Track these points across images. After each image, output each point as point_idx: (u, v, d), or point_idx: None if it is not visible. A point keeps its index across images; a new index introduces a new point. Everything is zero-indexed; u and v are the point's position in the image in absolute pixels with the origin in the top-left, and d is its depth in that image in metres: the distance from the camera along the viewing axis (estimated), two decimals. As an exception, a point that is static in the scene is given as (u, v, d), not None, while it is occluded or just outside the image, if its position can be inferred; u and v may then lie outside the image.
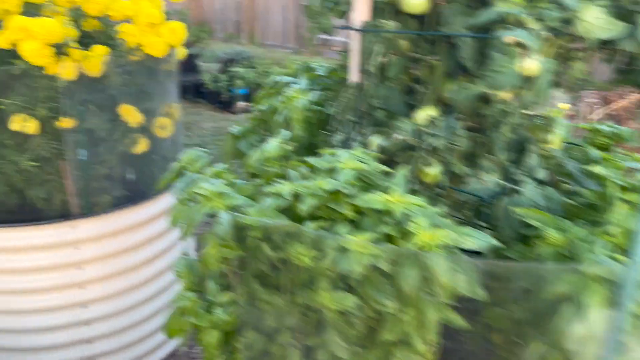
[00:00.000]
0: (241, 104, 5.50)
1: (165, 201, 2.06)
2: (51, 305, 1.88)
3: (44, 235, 1.79)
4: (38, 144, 1.74)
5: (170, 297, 2.17)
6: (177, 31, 1.87)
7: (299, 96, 1.20)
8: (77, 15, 1.83)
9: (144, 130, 1.96)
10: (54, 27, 1.51)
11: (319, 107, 1.22)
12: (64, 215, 1.84)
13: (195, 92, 5.66)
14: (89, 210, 1.88)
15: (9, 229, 1.76)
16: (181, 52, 2.06)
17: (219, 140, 4.61)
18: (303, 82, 1.35)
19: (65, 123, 1.74)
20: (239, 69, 5.75)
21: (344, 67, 1.29)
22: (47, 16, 1.81)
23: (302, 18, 8.20)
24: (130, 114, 1.88)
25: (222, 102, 5.51)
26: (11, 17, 1.54)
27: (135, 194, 1.99)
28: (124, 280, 1.97)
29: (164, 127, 2.04)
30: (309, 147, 1.22)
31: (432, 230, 0.72)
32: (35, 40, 1.54)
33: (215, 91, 5.57)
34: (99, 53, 1.74)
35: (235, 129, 1.41)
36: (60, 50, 1.63)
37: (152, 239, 2.03)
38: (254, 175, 1.13)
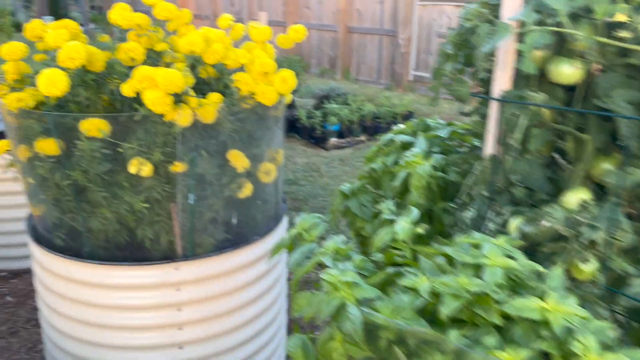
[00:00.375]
0: (334, 140, 5.51)
1: (265, 245, 2.05)
2: (148, 343, 1.90)
3: (148, 275, 1.82)
4: (151, 186, 1.79)
5: (265, 339, 2.14)
6: (288, 80, 1.88)
7: (420, 161, 1.13)
8: (194, 63, 1.89)
9: (250, 175, 1.96)
10: (176, 78, 1.55)
11: (440, 174, 1.14)
12: (168, 256, 1.87)
13: (289, 126, 5.75)
14: (192, 252, 1.90)
15: (117, 266, 1.81)
16: (289, 98, 2.07)
17: (310, 176, 4.62)
18: (421, 142, 1.27)
19: (178, 167, 1.78)
20: (332, 105, 5.79)
21: (470, 132, 1.20)
22: (168, 63, 1.89)
23: (397, 54, 8.18)
24: (238, 160, 1.90)
25: (315, 138, 5.56)
26: (138, 67, 1.61)
27: (237, 237, 2.00)
28: (221, 322, 1.97)
29: (268, 172, 2.04)
30: (426, 215, 1.13)
31: (603, 355, 0.61)
32: (157, 89, 1.60)
33: (309, 126, 5.63)
34: (214, 101, 1.78)
35: (345, 186, 1.36)
36: (178, 98, 1.68)
37: (251, 283, 2.02)
38: (363, 238, 1.06)
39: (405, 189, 1.14)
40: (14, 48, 1.73)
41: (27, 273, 3.14)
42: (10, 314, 2.85)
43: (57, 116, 1.71)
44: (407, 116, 6.19)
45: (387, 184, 1.23)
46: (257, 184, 2.00)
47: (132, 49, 1.78)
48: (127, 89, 1.61)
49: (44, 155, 1.77)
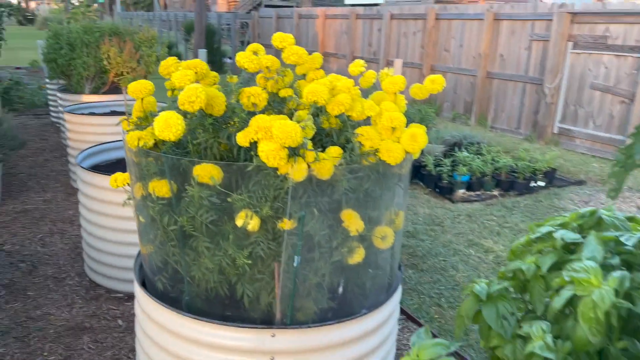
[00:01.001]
0: (462, 192, 5.12)
1: (373, 320, 1.80)
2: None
3: (242, 339, 1.66)
4: (256, 241, 1.64)
5: None
6: (418, 138, 1.64)
7: (596, 282, 0.81)
8: (317, 111, 1.73)
9: (363, 239, 1.74)
10: (293, 131, 1.40)
11: (625, 303, 0.81)
12: (265, 319, 1.70)
13: (414, 172, 5.46)
14: (292, 318, 1.71)
15: (211, 324, 1.67)
16: (416, 155, 1.82)
17: (431, 230, 4.28)
18: (592, 246, 0.95)
19: (286, 224, 1.61)
20: (464, 154, 5.41)
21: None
22: (291, 109, 1.76)
23: (541, 104, 7.54)
24: (352, 221, 1.69)
25: (441, 188, 5.19)
26: (255, 116, 1.48)
27: (342, 307, 1.77)
28: (313, 402, 1.74)
29: (385, 237, 1.80)
30: (597, 355, 0.81)
31: None
32: (272, 141, 1.45)
33: (435, 175, 5.30)
34: (333, 156, 1.60)
35: (479, 286, 1.07)
36: (294, 150, 1.52)
37: (351, 362, 1.77)
38: None
39: (568, 313, 0.83)
40: (140, 86, 1.70)
41: (140, 298, 3.18)
42: (117, 340, 2.87)
43: (171, 158, 1.65)
44: (548, 173, 5.59)
45: (538, 295, 0.93)
46: (370, 250, 1.77)
47: (255, 94, 1.68)
48: (242, 138, 1.49)
49: (155, 195, 1.71)
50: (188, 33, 17.66)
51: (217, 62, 14.71)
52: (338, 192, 1.65)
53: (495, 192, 5.30)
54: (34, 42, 9.66)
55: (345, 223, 1.69)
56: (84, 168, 3.19)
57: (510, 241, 4.11)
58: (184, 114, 1.65)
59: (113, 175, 2.05)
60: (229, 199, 1.61)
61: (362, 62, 2.08)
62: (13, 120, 5.16)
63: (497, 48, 8.21)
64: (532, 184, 5.41)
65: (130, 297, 3.31)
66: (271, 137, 1.46)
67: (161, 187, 1.70)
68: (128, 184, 2.01)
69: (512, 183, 5.38)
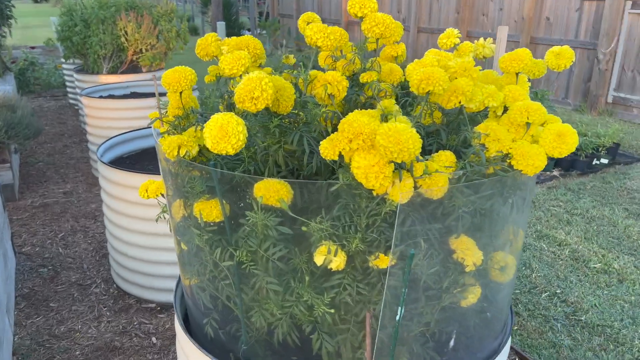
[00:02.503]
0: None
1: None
2: None
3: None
4: (341, 283, 1.21)
5: None
6: (567, 138, 1.18)
7: None
8: (411, 101, 1.28)
9: (480, 273, 1.30)
10: (411, 140, 0.95)
11: None
12: (352, 382, 1.29)
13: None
14: (386, 378, 1.29)
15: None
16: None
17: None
18: None
19: (382, 262, 1.18)
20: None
21: None
22: (370, 98, 1.30)
23: (594, 71, 6.89)
24: (468, 252, 1.25)
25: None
26: (347, 118, 1.03)
27: (448, 360, 1.35)
28: None
29: (505, 268, 1.36)
30: None
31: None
32: (375, 154, 1.01)
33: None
34: (446, 163, 1.15)
35: None
36: (398, 165, 1.07)
37: None
38: None
39: None
40: (178, 75, 1.26)
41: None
42: (152, 363, 2.50)
43: (226, 174, 1.21)
44: (611, 149, 5.04)
45: None
46: (487, 286, 1.33)
47: (333, 81, 1.22)
48: (329, 149, 1.05)
49: (203, 221, 1.29)
50: (205, 5, 17.07)
51: (235, 34, 14.14)
52: (452, 215, 1.20)
53: (555, 172, 4.78)
54: (49, 20, 9.25)
55: (459, 254, 1.25)
56: (105, 164, 2.78)
57: (584, 232, 3.64)
58: (243, 115, 1.21)
59: (143, 185, 1.64)
60: (304, 228, 1.18)
61: (455, 31, 1.60)
62: (29, 104, 4.77)
63: (543, 11, 7.53)
64: (595, 161, 4.87)
65: (164, 307, 2.94)
66: (372, 148, 1.01)
67: (210, 210, 1.27)
68: (162, 195, 1.60)
69: (572, 162, 4.85)
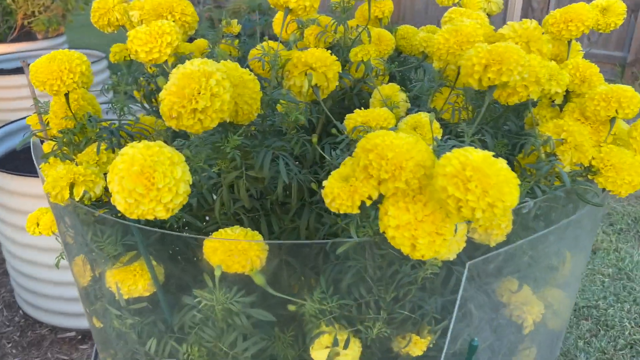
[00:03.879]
0: None
1: None
2: None
3: None
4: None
5: None
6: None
7: None
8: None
9: (536, 330, 0.92)
10: (501, 179, 0.51)
11: None
12: None
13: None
14: None
15: None
16: None
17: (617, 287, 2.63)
18: None
19: (417, 346, 0.76)
20: None
21: None
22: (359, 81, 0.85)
23: None
24: (528, 307, 0.85)
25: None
26: (376, 141, 0.57)
27: None
28: None
29: (557, 312, 0.98)
30: None
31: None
32: (426, 200, 0.56)
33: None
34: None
35: None
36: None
37: None
38: None
39: None
40: (56, 67, 0.74)
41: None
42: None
43: (160, 234, 0.73)
44: None
45: None
46: (542, 344, 0.95)
47: (321, 65, 0.76)
48: (341, 196, 0.59)
49: (123, 297, 0.80)
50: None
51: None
52: (513, 264, 0.79)
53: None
54: None
55: (516, 312, 0.86)
56: (-11, 167, 2.15)
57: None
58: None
59: (32, 216, 1.12)
60: (291, 308, 0.73)
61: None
62: None
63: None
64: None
65: (87, 335, 2.41)
66: (419, 190, 0.57)
67: (135, 280, 0.79)
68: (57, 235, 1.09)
69: None
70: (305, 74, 0.78)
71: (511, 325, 0.86)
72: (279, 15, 1.22)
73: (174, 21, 0.90)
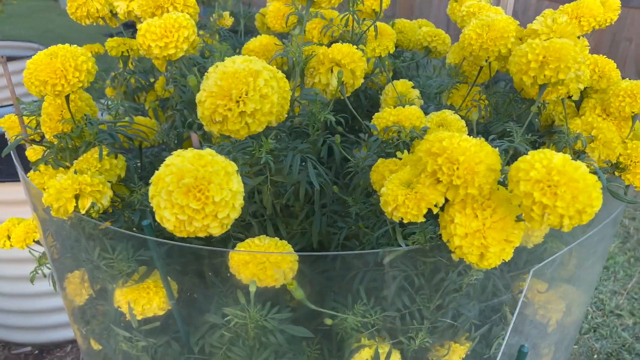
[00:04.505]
0: None
1: None
2: None
3: None
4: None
5: None
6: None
7: None
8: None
9: (559, 330, 0.91)
10: (588, 185, 0.48)
11: None
12: None
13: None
14: None
15: None
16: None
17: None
18: None
19: (455, 354, 0.73)
20: None
21: None
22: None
23: None
24: (552, 306, 0.85)
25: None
26: (443, 144, 0.53)
27: None
28: None
29: (575, 311, 0.98)
30: None
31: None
32: (495, 206, 0.53)
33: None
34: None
35: None
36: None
37: None
38: None
39: None
40: (59, 65, 0.65)
41: (59, 348, 2.19)
42: None
43: (178, 246, 0.66)
44: None
45: None
46: (560, 344, 0.95)
47: (349, 61, 0.71)
48: (407, 205, 0.54)
49: (136, 317, 0.73)
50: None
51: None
52: (563, 266, 0.78)
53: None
54: None
55: (541, 311, 0.85)
56: None
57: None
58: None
59: (1, 228, 1.02)
60: (328, 322, 0.68)
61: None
62: None
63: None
64: None
65: (46, 349, 2.26)
66: (488, 195, 0.54)
67: (149, 299, 0.72)
68: (37, 242, 0.99)
69: None
70: (331, 71, 0.73)
71: (536, 326, 0.85)
72: (273, 7, 1.16)
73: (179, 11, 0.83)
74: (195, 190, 0.48)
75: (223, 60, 0.67)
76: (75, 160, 0.76)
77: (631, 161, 0.78)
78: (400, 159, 0.72)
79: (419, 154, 0.54)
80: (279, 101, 0.59)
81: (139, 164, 0.92)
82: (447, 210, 0.55)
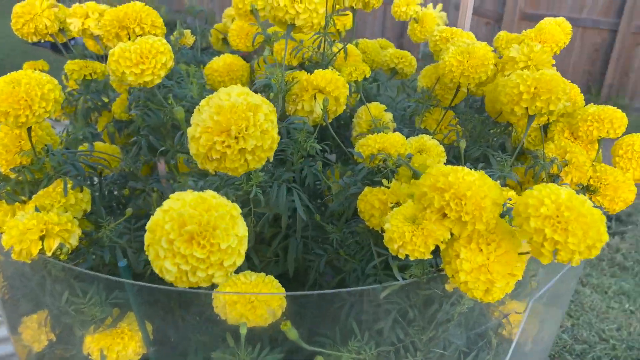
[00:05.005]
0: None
1: None
2: None
3: None
4: None
5: None
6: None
7: None
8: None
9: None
10: (595, 219, 0.49)
11: None
12: None
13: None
14: None
15: None
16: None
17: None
18: None
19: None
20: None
21: None
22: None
23: None
24: (530, 321, 0.86)
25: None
26: (449, 179, 0.52)
27: None
28: None
29: (549, 328, 1.01)
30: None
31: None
32: (500, 240, 0.53)
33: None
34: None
35: None
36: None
37: None
38: None
39: None
40: (20, 92, 0.58)
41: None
42: None
43: (157, 289, 0.61)
44: None
45: None
46: (534, 357, 0.97)
47: (332, 86, 0.69)
48: (415, 241, 0.53)
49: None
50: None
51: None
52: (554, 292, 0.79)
53: None
54: None
55: (514, 329, 0.86)
56: None
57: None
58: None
59: None
60: (319, 359, 0.65)
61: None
62: None
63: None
64: None
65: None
66: (492, 232, 0.53)
67: (124, 346, 0.66)
68: None
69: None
70: (315, 97, 0.71)
71: (510, 345, 0.86)
72: (236, 26, 1.12)
73: (141, 34, 0.78)
74: (200, 238, 0.44)
75: (192, 83, 0.63)
76: (35, 195, 0.69)
77: (601, 183, 0.81)
78: (388, 187, 0.71)
79: (423, 188, 0.53)
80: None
81: (97, 194, 0.85)
82: (452, 245, 0.54)
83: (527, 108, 0.62)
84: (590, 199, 0.82)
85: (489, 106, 0.87)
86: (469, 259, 0.53)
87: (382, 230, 0.58)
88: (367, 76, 0.86)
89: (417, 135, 0.93)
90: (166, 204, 0.46)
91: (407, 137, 0.92)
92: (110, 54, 0.63)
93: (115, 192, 0.91)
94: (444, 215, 0.52)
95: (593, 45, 4.17)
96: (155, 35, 0.81)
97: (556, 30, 0.96)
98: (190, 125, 0.52)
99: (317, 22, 0.71)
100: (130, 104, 0.88)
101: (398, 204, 0.67)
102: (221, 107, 0.50)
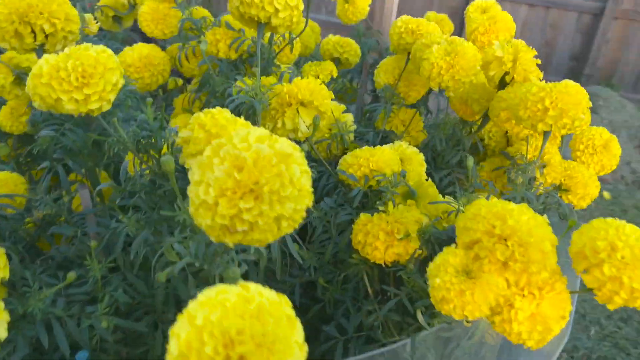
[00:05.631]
0: None
1: None
2: None
3: None
4: None
5: None
6: (614, 149, 0.85)
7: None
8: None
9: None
10: None
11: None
12: None
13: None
14: None
15: None
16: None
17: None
18: None
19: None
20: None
21: None
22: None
23: None
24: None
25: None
26: (511, 223, 0.44)
27: None
28: None
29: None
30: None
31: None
32: (545, 286, 0.48)
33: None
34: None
35: None
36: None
37: None
38: None
39: None
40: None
41: None
42: None
43: None
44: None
45: None
46: None
47: (318, 97, 0.58)
48: (476, 301, 0.45)
49: None
50: None
51: None
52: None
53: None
54: None
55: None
56: None
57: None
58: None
59: None
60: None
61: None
62: None
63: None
64: None
65: None
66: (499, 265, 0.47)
67: None
68: None
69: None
70: (297, 112, 0.59)
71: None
72: (148, 8, 0.92)
73: (53, 32, 0.58)
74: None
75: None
76: None
77: (572, 182, 0.80)
78: (384, 211, 0.62)
79: (477, 234, 0.45)
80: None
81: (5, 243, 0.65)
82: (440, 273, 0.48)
83: (551, 125, 0.57)
84: (561, 197, 0.81)
85: (457, 105, 0.81)
86: (524, 308, 0.47)
87: (389, 265, 0.49)
88: (335, 76, 0.74)
89: (381, 137, 0.85)
90: (197, 311, 0.32)
91: (373, 142, 0.83)
92: (33, 74, 0.45)
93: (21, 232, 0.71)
94: (504, 264, 0.45)
95: (579, 29, 4.28)
96: (71, 33, 0.62)
97: (508, 17, 0.92)
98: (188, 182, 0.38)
99: (295, 22, 0.58)
100: (35, 118, 0.67)
101: (407, 234, 0.59)
102: (241, 159, 0.37)
